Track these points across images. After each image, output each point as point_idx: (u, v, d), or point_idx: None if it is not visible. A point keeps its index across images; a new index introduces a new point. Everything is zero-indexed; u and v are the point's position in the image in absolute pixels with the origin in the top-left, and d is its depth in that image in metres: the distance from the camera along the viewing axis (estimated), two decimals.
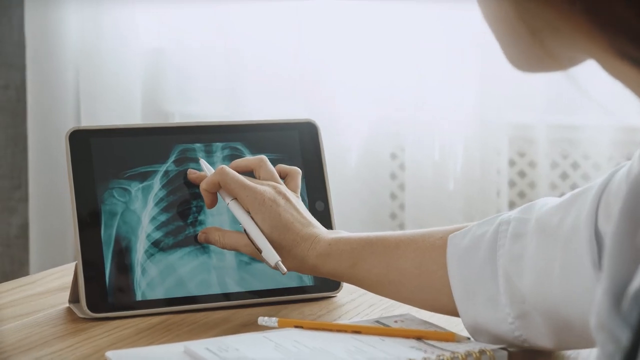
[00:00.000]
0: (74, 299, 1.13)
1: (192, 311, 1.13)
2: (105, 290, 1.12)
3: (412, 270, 1.03)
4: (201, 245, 1.16)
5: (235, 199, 1.12)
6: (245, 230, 1.11)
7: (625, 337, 0.54)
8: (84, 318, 1.10)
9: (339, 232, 1.11)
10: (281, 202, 1.11)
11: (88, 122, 2.45)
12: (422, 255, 1.02)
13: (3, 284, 1.25)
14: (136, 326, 1.08)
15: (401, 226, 2.31)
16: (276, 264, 1.08)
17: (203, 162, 1.17)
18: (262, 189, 1.11)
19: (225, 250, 1.16)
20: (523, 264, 0.93)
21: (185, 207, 1.17)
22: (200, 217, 1.17)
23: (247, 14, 2.36)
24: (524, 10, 0.55)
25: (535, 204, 0.98)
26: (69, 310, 1.13)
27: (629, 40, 0.50)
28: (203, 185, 1.13)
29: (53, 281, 1.25)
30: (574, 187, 2.19)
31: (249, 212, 1.11)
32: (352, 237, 1.08)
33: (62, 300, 1.16)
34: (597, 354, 0.65)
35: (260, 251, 1.09)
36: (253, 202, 1.10)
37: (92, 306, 1.10)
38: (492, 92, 2.17)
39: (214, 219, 1.17)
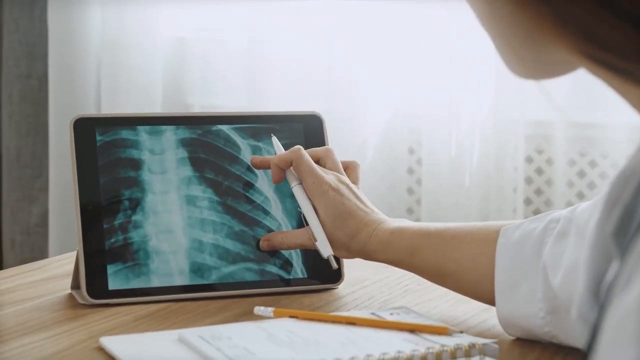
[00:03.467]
0: (75, 285, 1.14)
1: (191, 300, 1.14)
2: (105, 278, 1.12)
3: (468, 263, 1.05)
4: (199, 232, 1.16)
5: (300, 183, 1.16)
6: (303, 217, 1.15)
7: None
8: (84, 304, 1.11)
9: (401, 220, 1.14)
10: (344, 191, 1.14)
11: (109, 112, 2.46)
12: (479, 247, 1.04)
13: (10, 269, 1.26)
14: (134, 313, 1.09)
15: (418, 221, 2.30)
16: (328, 257, 1.12)
17: (275, 140, 1.20)
18: (327, 178, 1.14)
19: (220, 241, 1.16)
20: (560, 261, 0.94)
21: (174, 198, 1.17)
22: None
23: (270, 6, 2.36)
24: (514, 16, 0.55)
25: (584, 203, 0.99)
26: (70, 296, 1.14)
27: (593, 44, 0.50)
28: (275, 160, 1.16)
29: (61, 267, 1.26)
30: (591, 185, 2.18)
31: (311, 201, 1.15)
32: (412, 227, 1.11)
33: (66, 286, 1.16)
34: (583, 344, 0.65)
35: (315, 240, 1.13)
36: (317, 190, 1.14)
37: (92, 293, 1.11)
38: (510, 88, 2.16)
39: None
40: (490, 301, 1.04)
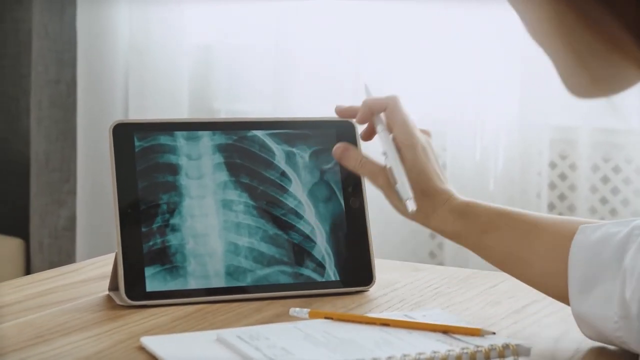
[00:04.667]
0: (113, 287, 1.17)
1: (227, 301, 1.16)
2: (143, 279, 1.15)
3: (544, 253, 1.02)
4: (235, 235, 1.19)
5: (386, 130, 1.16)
6: (387, 161, 1.15)
7: None
8: (123, 305, 1.14)
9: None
10: (429, 153, 1.14)
11: (136, 117, 2.50)
12: (557, 239, 1.01)
13: (45, 271, 1.29)
14: (172, 314, 1.12)
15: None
16: (407, 200, 1.09)
17: (366, 86, 1.22)
18: (419, 134, 1.14)
19: (255, 244, 1.19)
20: (638, 269, 0.93)
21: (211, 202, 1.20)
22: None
23: (296, 11, 2.39)
24: (572, 38, 0.57)
25: None
26: (108, 297, 1.17)
27: None
28: (369, 101, 1.17)
29: (94, 270, 1.29)
30: (614, 190, 2.20)
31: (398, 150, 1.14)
32: (489, 204, 1.09)
33: (102, 288, 1.19)
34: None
35: (395, 183, 1.12)
36: (407, 141, 1.14)
37: (130, 294, 1.14)
38: (535, 93, 2.18)
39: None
40: (557, 295, 1.03)
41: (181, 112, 2.49)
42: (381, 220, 2.31)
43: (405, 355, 0.92)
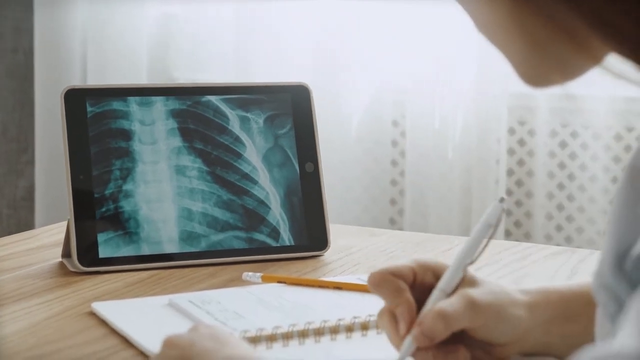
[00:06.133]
0: (66, 253, 1.16)
1: (181, 267, 1.16)
2: (96, 246, 1.15)
3: None
4: (188, 201, 1.19)
5: None
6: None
7: (627, 296, 0.56)
8: (75, 272, 1.13)
9: None
10: None
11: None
12: None
13: (1, 238, 1.28)
14: (125, 280, 1.11)
15: (402, 192, 2.33)
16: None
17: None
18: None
19: (209, 209, 1.19)
20: None
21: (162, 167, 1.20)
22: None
23: None
24: (525, 29, 0.57)
25: None
26: (61, 264, 1.16)
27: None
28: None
29: (50, 237, 1.28)
30: (572, 156, 2.21)
31: None
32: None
33: (57, 255, 1.18)
34: (599, 315, 0.67)
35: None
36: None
37: (83, 261, 1.13)
38: (493, 60, 2.18)
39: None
40: None
41: (140, 81, 2.47)
42: (341, 188, 2.31)
43: (355, 317, 0.92)
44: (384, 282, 0.81)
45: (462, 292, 0.80)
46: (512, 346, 0.82)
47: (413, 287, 0.82)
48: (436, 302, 0.80)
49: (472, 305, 0.79)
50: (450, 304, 0.79)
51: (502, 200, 0.82)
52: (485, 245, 0.82)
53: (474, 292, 0.80)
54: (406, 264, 0.83)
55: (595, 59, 0.56)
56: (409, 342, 0.79)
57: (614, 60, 0.56)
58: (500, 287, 0.83)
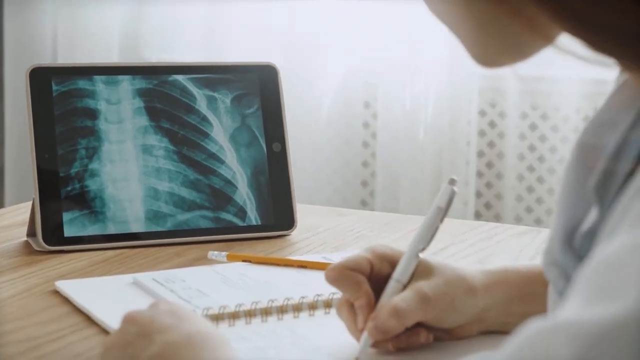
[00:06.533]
0: (31, 232, 1.16)
1: (147, 246, 1.16)
2: (61, 225, 1.14)
3: None
4: (155, 180, 1.18)
5: None
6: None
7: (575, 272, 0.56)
8: (41, 251, 1.13)
9: None
10: None
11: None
12: None
13: None
14: (90, 259, 1.11)
15: (373, 174, 2.34)
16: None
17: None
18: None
19: (176, 189, 1.19)
20: None
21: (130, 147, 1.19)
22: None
23: None
24: (475, 10, 0.57)
25: None
26: (26, 243, 1.16)
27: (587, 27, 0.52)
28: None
29: (17, 216, 1.28)
30: (542, 138, 2.22)
31: None
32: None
33: (23, 234, 1.18)
34: (550, 291, 0.67)
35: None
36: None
37: (48, 240, 1.13)
38: None
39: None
40: None
41: (110, 61, 2.46)
42: (313, 170, 2.31)
43: (318, 295, 0.92)
44: (342, 277, 0.82)
45: (415, 286, 0.82)
46: (469, 327, 0.85)
47: (370, 278, 0.83)
48: (392, 294, 0.82)
49: (425, 300, 0.81)
50: (404, 300, 0.80)
51: (452, 181, 0.83)
52: (437, 229, 0.83)
53: (426, 286, 0.81)
54: (362, 254, 0.84)
55: (546, 39, 0.57)
56: (367, 335, 0.80)
57: (568, 40, 0.56)
58: (456, 273, 0.84)
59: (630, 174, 0.53)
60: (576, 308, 0.47)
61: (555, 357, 0.45)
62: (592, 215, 0.58)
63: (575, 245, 0.60)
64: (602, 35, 0.52)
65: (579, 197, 0.62)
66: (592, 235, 0.57)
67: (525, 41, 0.58)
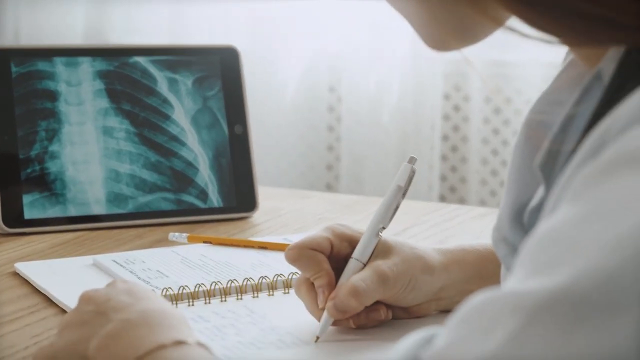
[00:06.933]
0: None
1: (108, 228, 1.16)
2: (21, 207, 1.14)
3: None
4: (116, 162, 1.18)
5: None
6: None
7: None
8: (0, 233, 1.12)
9: None
10: None
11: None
12: None
13: None
14: (51, 241, 1.11)
15: (338, 158, 2.34)
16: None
17: None
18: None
19: (137, 171, 1.18)
20: None
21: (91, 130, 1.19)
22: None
23: None
24: None
25: None
26: None
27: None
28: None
29: None
30: (506, 122, 2.22)
31: None
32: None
33: None
34: (502, 269, 0.68)
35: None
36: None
37: (7, 222, 1.13)
38: None
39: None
40: None
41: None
42: (277, 153, 2.31)
43: (277, 275, 0.92)
44: (302, 256, 0.82)
45: (374, 265, 0.82)
46: (427, 305, 0.85)
47: (330, 257, 0.83)
48: (352, 273, 0.82)
49: (383, 280, 0.82)
50: (363, 279, 0.81)
51: (411, 160, 0.83)
52: (397, 208, 0.83)
53: (384, 265, 0.82)
54: (322, 234, 0.84)
55: (495, 21, 0.57)
56: (327, 314, 0.80)
57: (517, 22, 0.56)
58: (414, 252, 0.84)
59: (574, 151, 0.54)
60: (520, 280, 0.47)
61: (500, 327, 0.46)
62: (540, 192, 0.59)
63: (524, 222, 0.61)
64: (547, 15, 0.53)
65: (528, 174, 0.62)
66: (539, 212, 0.58)
67: (474, 24, 0.58)
